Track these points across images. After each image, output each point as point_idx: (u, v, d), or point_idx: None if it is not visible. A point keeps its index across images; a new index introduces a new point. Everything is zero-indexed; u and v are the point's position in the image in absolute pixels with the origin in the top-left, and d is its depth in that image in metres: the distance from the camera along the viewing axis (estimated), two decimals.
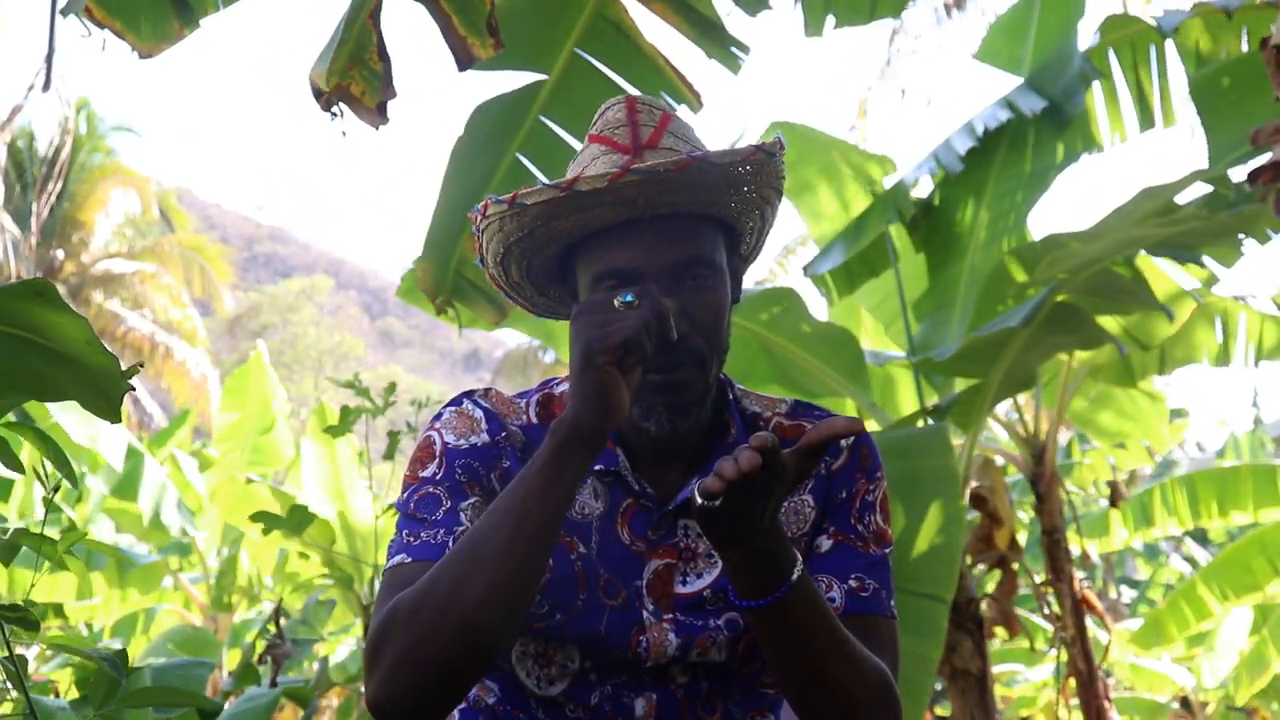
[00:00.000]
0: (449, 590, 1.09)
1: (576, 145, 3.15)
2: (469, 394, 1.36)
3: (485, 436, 1.31)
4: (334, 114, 2.37)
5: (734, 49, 3.07)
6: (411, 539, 1.22)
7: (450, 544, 1.20)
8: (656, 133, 1.29)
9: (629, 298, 1.15)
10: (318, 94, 2.35)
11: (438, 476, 1.27)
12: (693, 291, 1.25)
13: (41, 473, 1.58)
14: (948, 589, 3.28)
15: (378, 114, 2.41)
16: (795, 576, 1.15)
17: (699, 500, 1.08)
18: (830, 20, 3.63)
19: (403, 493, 1.28)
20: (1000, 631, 4.66)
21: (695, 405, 1.27)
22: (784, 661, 1.20)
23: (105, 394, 1.49)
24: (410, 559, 1.20)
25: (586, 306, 1.16)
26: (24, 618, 1.53)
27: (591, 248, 1.27)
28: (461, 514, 1.23)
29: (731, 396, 1.37)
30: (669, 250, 1.25)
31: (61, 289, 17.48)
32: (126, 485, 6.87)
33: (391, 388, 3.18)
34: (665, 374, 1.23)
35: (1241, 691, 7.37)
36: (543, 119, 3.14)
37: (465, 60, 2.48)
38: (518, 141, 3.15)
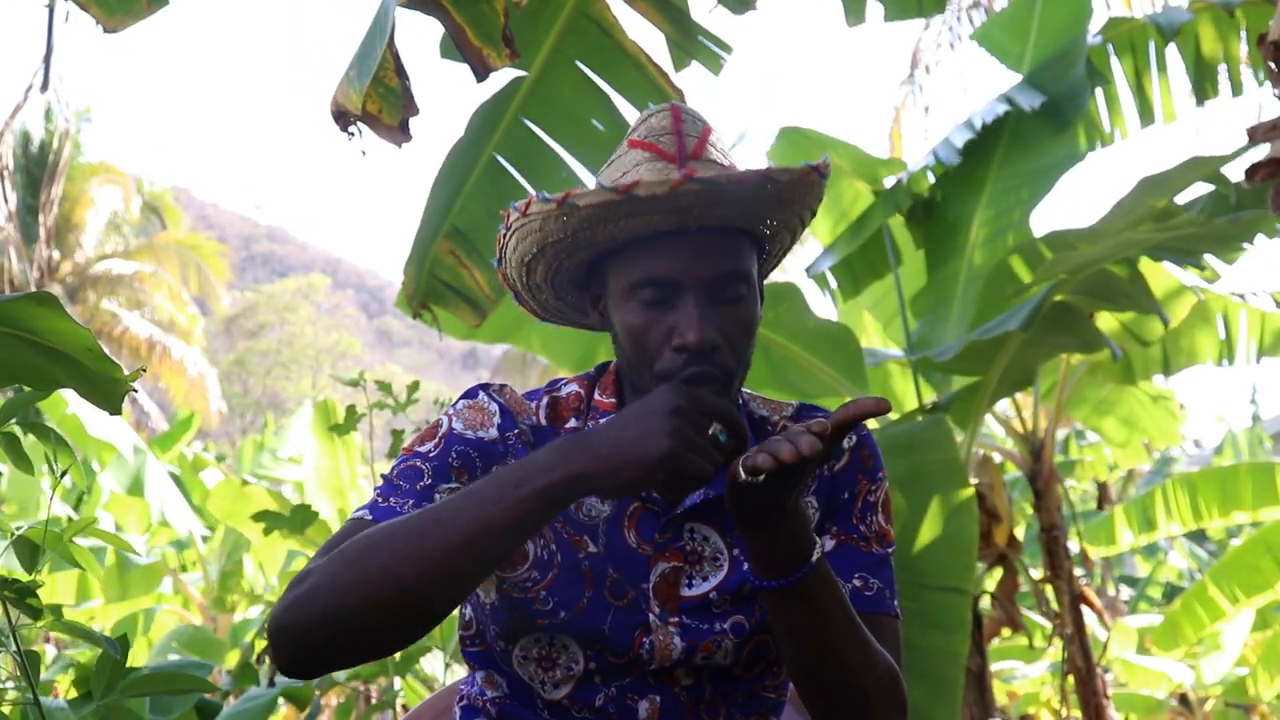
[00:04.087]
0: (384, 562, 1.06)
1: (553, 145, 3.12)
2: (485, 387, 1.36)
3: (495, 432, 1.31)
4: (351, 134, 2.35)
5: (716, 49, 3.05)
6: (381, 500, 1.23)
7: None
8: (700, 143, 1.28)
9: (724, 436, 1.10)
10: (339, 115, 2.32)
11: (430, 455, 1.27)
12: (729, 307, 1.25)
13: (53, 465, 1.58)
14: (967, 580, 3.29)
15: (400, 131, 2.38)
16: (815, 557, 1.16)
17: (743, 476, 1.07)
18: (878, 11, 3.57)
19: (395, 462, 1.29)
20: (1004, 629, 4.66)
21: None
22: (800, 647, 1.20)
23: (105, 393, 1.50)
24: (371, 516, 1.21)
25: (687, 409, 1.09)
26: (27, 599, 1.52)
27: (630, 254, 1.26)
28: (437, 494, 1.23)
29: (740, 401, 1.37)
30: (710, 263, 1.24)
31: (58, 289, 17.50)
32: (137, 482, 6.88)
33: (414, 386, 3.15)
34: (696, 385, 1.21)
35: (1263, 688, 7.40)
36: (521, 117, 3.11)
37: (482, 71, 2.45)
38: (495, 140, 3.12)
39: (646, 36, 3.06)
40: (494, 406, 1.33)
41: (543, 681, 1.30)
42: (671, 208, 1.21)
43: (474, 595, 1.35)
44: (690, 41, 3.01)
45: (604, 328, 1.33)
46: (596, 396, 1.35)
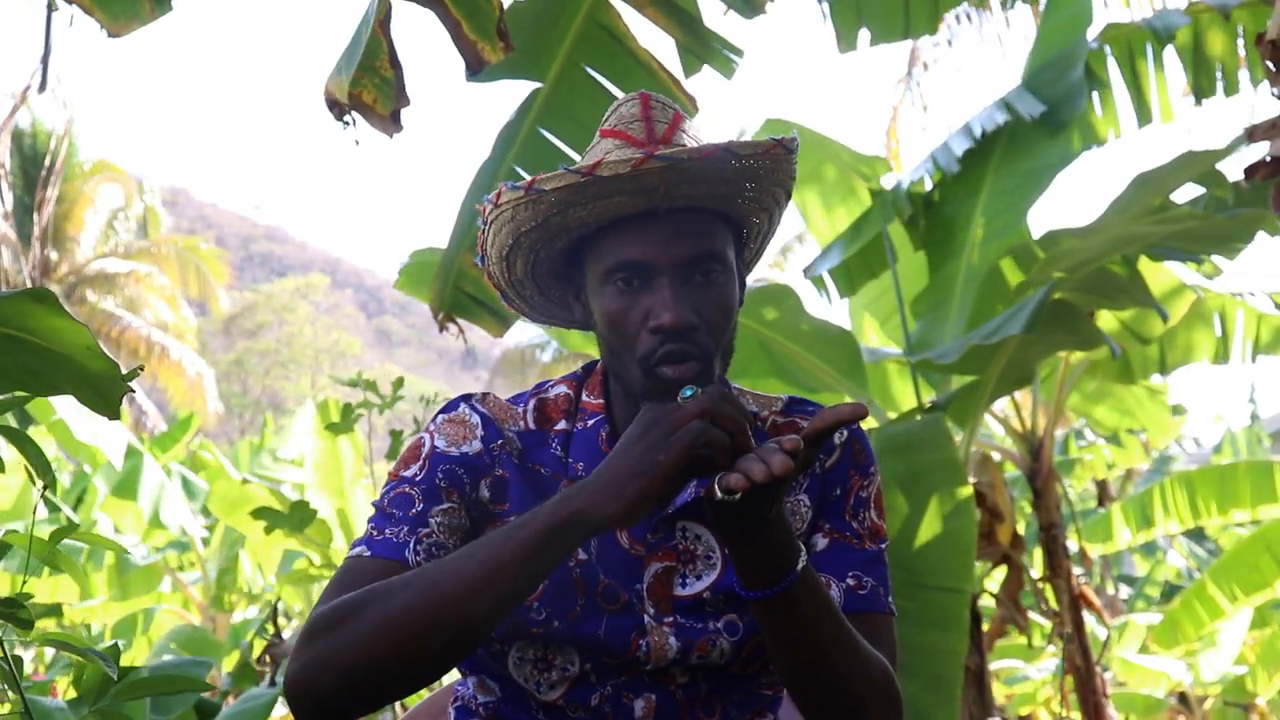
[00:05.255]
0: (398, 614, 1.08)
1: (570, 152, 3.14)
2: (467, 398, 1.35)
3: (479, 444, 1.30)
4: (346, 123, 2.35)
5: (727, 53, 3.06)
6: (376, 533, 1.23)
7: (411, 545, 1.21)
8: (670, 129, 1.28)
9: (689, 392, 1.13)
10: (332, 104, 2.33)
11: (417, 478, 1.26)
12: (704, 287, 1.25)
13: (32, 475, 1.57)
14: (966, 580, 3.29)
15: (391, 122, 2.38)
16: (800, 566, 1.15)
17: (719, 495, 1.07)
18: (865, 36, 3.62)
19: (383, 488, 1.28)
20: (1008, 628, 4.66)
21: None
22: (790, 654, 1.19)
23: (104, 394, 1.49)
24: (369, 553, 1.21)
25: (655, 420, 1.10)
26: (17, 613, 1.52)
27: (603, 240, 1.26)
28: (431, 519, 1.23)
29: None
30: (682, 244, 1.24)
31: (56, 289, 17.52)
32: (126, 484, 6.87)
33: (399, 383, 3.15)
34: (676, 366, 1.22)
35: (1261, 687, 7.41)
36: (538, 128, 3.13)
37: (476, 65, 2.45)
38: (514, 152, 3.14)
39: (658, 42, 3.08)
40: (475, 418, 1.31)
41: (538, 684, 1.30)
42: (636, 188, 1.21)
43: None
44: (701, 46, 3.02)
45: (587, 321, 1.33)
46: (584, 397, 1.34)
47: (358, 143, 2.39)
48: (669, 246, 1.24)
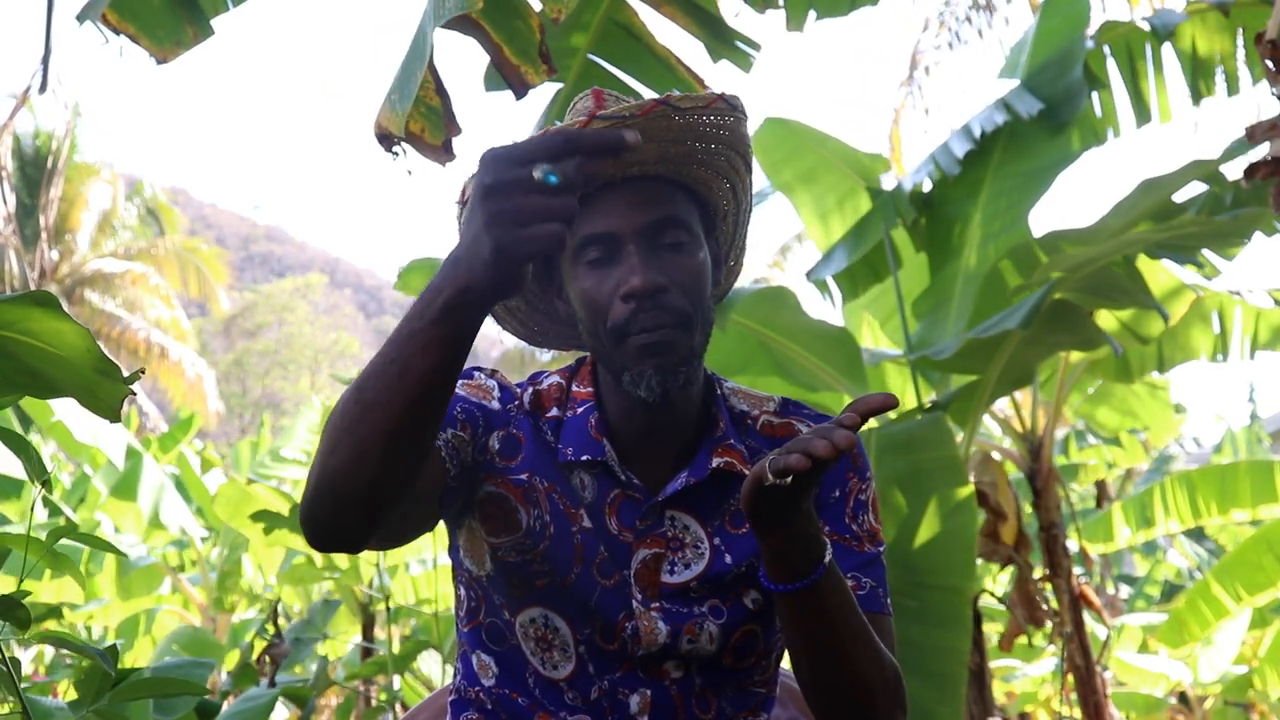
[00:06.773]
0: (342, 423, 1.07)
1: None
2: (478, 369, 1.39)
3: (497, 405, 1.35)
4: (395, 154, 2.35)
5: (744, 46, 3.06)
6: None
7: None
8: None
9: (552, 178, 0.94)
10: (382, 137, 2.33)
11: None
12: (670, 253, 1.27)
13: (32, 476, 1.57)
14: (967, 578, 3.30)
15: (444, 151, 2.39)
16: (828, 559, 1.16)
17: (770, 479, 1.06)
18: (811, 14, 3.61)
19: None
20: (1003, 628, 4.64)
21: (684, 366, 1.27)
22: (812, 647, 1.21)
23: (105, 398, 1.50)
24: None
25: (493, 183, 0.95)
26: (15, 612, 1.52)
27: None
28: (440, 435, 1.24)
29: (720, 393, 1.39)
30: (644, 211, 1.27)
31: (55, 290, 17.54)
32: (126, 485, 6.86)
33: None
34: (650, 333, 1.24)
35: (1271, 687, 7.41)
36: (559, 124, 3.13)
37: (521, 89, 2.46)
38: None
39: (677, 39, 3.07)
40: (492, 383, 1.37)
41: (542, 660, 1.32)
42: None
43: (465, 572, 1.36)
44: (718, 41, 3.03)
45: (572, 318, 1.35)
46: (574, 387, 1.37)
47: (410, 173, 2.38)
48: (631, 214, 1.27)
